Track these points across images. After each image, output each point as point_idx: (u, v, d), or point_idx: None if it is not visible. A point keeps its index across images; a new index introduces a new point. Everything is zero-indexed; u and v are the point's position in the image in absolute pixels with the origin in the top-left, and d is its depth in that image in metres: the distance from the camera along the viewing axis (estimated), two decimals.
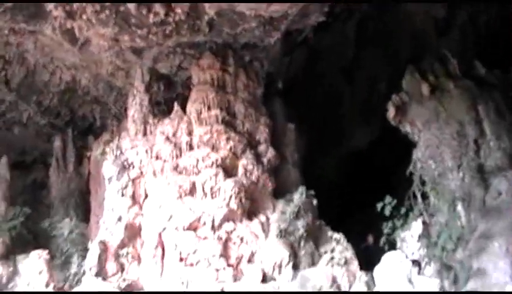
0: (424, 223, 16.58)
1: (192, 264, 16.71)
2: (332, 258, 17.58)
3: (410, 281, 8.47)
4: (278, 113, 21.39)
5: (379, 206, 16.58)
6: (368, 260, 16.73)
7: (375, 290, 14.09)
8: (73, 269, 18.90)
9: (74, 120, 24.45)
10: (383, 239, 16.64)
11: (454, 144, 17.12)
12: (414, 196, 17.06)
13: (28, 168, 24.69)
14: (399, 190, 17.10)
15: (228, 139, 18.98)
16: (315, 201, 18.97)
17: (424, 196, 17.07)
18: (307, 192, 18.66)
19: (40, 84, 22.47)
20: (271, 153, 19.74)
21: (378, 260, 8.41)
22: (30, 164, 25.36)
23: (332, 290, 16.59)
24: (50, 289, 17.46)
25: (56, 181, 24.09)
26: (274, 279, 16.96)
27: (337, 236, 18.31)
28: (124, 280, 16.80)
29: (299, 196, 18.47)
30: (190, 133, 19.29)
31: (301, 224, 18.02)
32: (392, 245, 16.11)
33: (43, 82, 22.30)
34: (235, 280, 16.63)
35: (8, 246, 19.55)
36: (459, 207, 16.25)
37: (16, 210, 21.43)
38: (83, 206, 22.40)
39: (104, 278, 16.53)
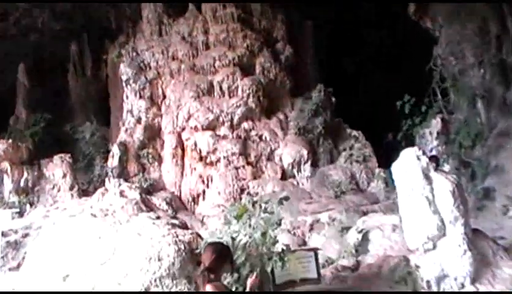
0: (443, 120, 16.48)
1: (211, 163, 16.90)
2: (350, 155, 17.68)
3: (426, 177, 8.42)
4: (295, 9, 20.89)
5: (398, 104, 16.45)
6: (387, 157, 16.81)
7: (392, 185, 14.20)
8: (96, 171, 19.27)
9: (89, 25, 24.12)
10: (401, 136, 16.64)
11: (475, 40, 16.68)
12: (434, 94, 16.86)
13: (47, 75, 24.63)
14: (419, 88, 16.88)
15: (244, 37, 18.74)
16: (333, 99, 18.86)
17: (444, 94, 16.86)
18: (325, 90, 18.52)
19: None
20: (288, 51, 19.49)
21: (396, 157, 8.41)
22: (49, 70, 25.31)
23: (350, 186, 16.75)
24: (75, 191, 17.84)
25: (74, 86, 24.10)
26: (293, 176, 17.15)
27: (356, 133, 18.34)
28: (146, 180, 17.11)
29: (317, 93, 18.36)
30: (206, 32, 19.05)
31: (319, 122, 18.02)
32: (411, 142, 16.08)
33: None
34: (254, 177, 16.86)
35: (32, 151, 19.81)
36: (479, 105, 16.06)
37: (37, 116, 21.61)
38: (103, 109, 22.47)
39: (126, 179, 16.82)
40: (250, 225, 9.24)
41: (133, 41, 20.14)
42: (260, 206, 9.03)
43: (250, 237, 8.98)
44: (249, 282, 6.00)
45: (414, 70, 17.71)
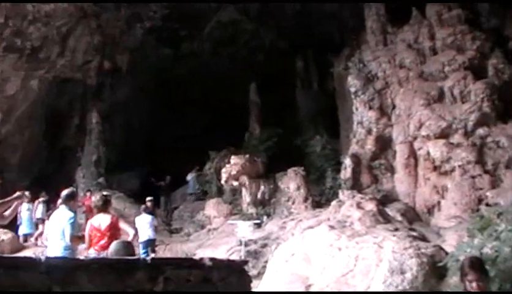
0: None
1: (446, 173, 16.30)
2: None
3: None
4: None
5: None
6: None
7: None
8: (328, 183, 19.66)
9: (313, 40, 24.84)
10: None
11: None
12: None
13: (275, 91, 25.78)
14: None
15: (473, 39, 17.85)
16: None
17: None
18: None
19: (276, 9, 23.17)
20: None
21: None
22: (277, 87, 26.48)
23: None
24: (308, 203, 18.38)
25: (302, 100, 24.97)
26: None
27: None
28: (379, 191, 17.05)
29: None
30: (432, 37, 18.51)
31: None
32: None
33: (279, 6, 22.94)
34: (493, 187, 15.87)
35: (267, 165, 20.83)
36: None
37: (269, 131, 22.73)
38: (331, 122, 22.88)
39: (359, 191, 16.90)
40: (497, 238, 8.77)
41: (358, 53, 20.24)
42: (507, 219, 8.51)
43: (496, 251, 8.52)
44: None
45: None
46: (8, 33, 20.50)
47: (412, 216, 15.99)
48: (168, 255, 15.82)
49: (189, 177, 24.56)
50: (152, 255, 12.66)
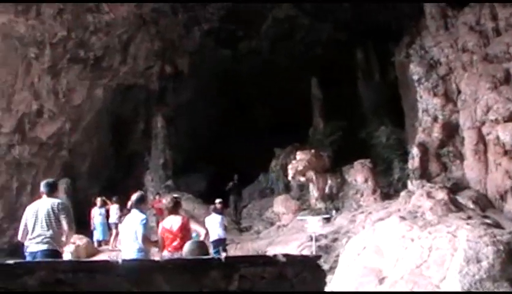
0: None
1: None
2: None
3: None
4: None
5: None
6: None
7: None
8: (395, 173, 19.48)
9: (371, 31, 24.56)
10: None
11: None
12: None
13: (336, 84, 25.61)
14: None
15: None
16: None
17: None
18: None
19: (331, 2, 23.06)
20: None
21: None
22: (338, 80, 26.31)
23: None
24: (377, 195, 18.26)
25: (364, 92, 24.74)
26: None
27: None
28: (448, 179, 16.74)
29: None
30: (494, 18, 17.97)
31: None
32: None
33: None
34: None
35: (333, 159, 20.76)
36: None
37: (333, 125, 22.64)
38: (395, 112, 22.57)
39: (428, 180, 16.64)
40: None
41: (419, 40, 19.90)
42: None
43: None
44: None
45: None
46: (71, 45, 21.16)
47: (484, 203, 15.59)
48: (238, 253, 15.96)
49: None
50: (224, 254, 12.85)
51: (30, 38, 19.83)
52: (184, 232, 8.63)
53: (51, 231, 7.71)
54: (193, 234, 9.31)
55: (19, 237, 8.00)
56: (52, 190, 8.17)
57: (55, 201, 7.94)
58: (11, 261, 3.93)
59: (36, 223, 7.79)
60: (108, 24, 21.53)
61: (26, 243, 7.80)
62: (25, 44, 19.88)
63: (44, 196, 8.05)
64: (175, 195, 10.48)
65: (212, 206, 15.51)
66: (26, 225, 7.87)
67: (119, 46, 22.87)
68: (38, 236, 7.70)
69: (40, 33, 19.94)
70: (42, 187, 8.16)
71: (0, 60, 19.36)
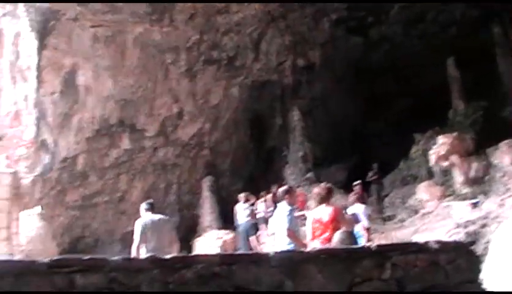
0: None
1: None
2: None
3: None
4: None
5: None
6: None
7: None
8: None
9: (506, 3, 23.33)
10: None
11: None
12: None
13: (473, 63, 24.68)
14: None
15: None
16: None
17: None
18: None
19: None
20: None
21: None
22: (475, 59, 25.34)
23: None
24: None
25: (504, 68, 23.56)
26: None
27: None
28: None
29: None
30: None
31: None
32: None
33: None
34: None
35: (476, 141, 20.04)
36: None
37: (473, 105, 21.84)
38: None
39: None
40: None
41: None
42: None
43: None
44: None
45: None
46: (205, 48, 22.08)
47: None
48: (383, 243, 15.86)
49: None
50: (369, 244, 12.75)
51: (166, 45, 20.90)
52: (335, 223, 8.34)
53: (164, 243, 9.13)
54: None
55: (133, 251, 9.16)
56: (154, 208, 9.65)
57: (162, 217, 9.65)
58: (168, 256, 4.37)
59: (152, 235, 9.13)
60: (238, 23, 22.27)
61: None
62: (162, 50, 20.99)
63: (149, 213, 9.47)
64: (327, 184, 10.06)
65: (352, 196, 14.79)
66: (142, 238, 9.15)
67: (251, 44, 23.56)
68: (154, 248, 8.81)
69: (174, 39, 20.97)
70: (146, 205, 9.58)
71: (141, 68, 20.49)
